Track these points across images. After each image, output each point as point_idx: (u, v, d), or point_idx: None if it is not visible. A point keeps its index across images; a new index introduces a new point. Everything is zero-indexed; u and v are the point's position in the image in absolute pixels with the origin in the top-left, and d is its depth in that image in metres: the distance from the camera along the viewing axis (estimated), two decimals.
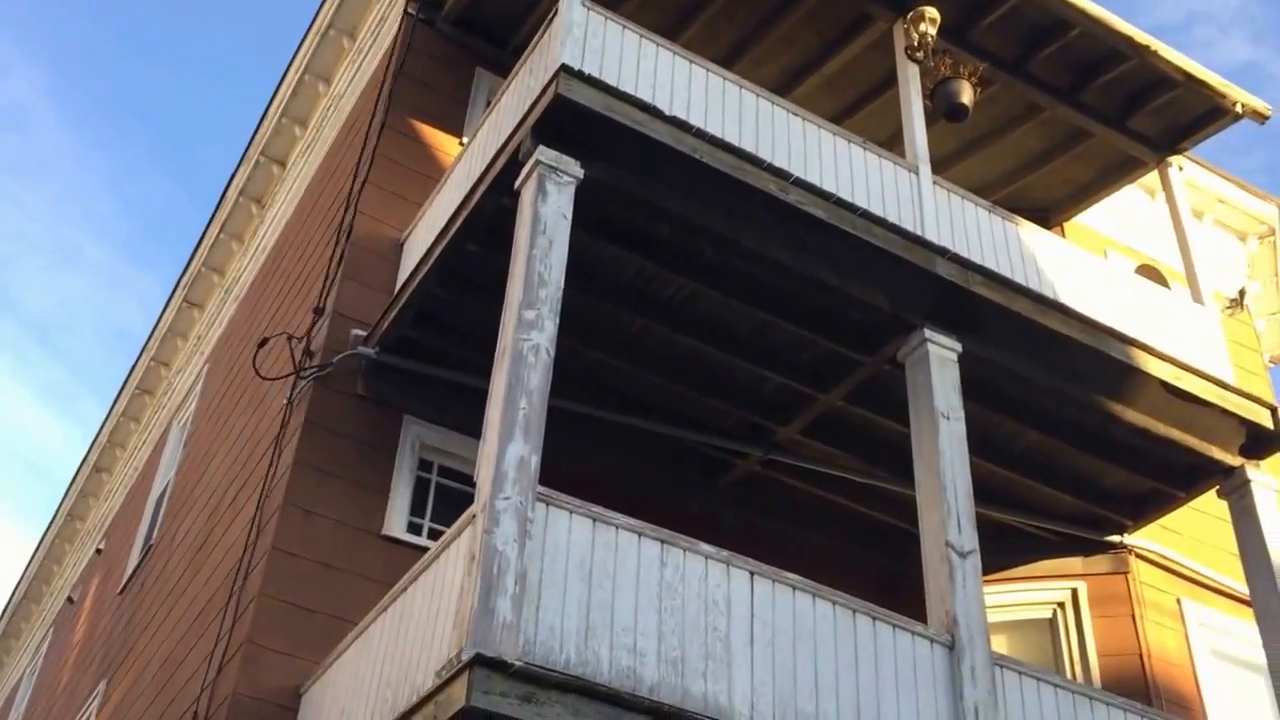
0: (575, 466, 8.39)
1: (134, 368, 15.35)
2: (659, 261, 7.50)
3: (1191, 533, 9.90)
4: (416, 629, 5.71)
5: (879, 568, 9.56)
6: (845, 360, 8.02)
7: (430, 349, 8.11)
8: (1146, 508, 9.17)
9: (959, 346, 7.43)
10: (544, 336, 5.93)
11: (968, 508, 6.80)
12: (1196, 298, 9.23)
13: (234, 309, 12.86)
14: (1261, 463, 8.43)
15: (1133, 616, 9.08)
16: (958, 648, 6.22)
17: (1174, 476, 8.79)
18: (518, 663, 4.85)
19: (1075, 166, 10.74)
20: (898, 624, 6.19)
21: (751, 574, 5.89)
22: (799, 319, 7.80)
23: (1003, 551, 9.62)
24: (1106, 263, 8.88)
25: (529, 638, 5.13)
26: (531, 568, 5.29)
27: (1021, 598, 9.43)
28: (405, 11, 10.12)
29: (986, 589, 9.39)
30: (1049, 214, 11.25)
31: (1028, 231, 8.49)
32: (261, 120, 12.16)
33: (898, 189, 7.95)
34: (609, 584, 5.45)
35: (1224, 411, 8.17)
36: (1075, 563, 9.46)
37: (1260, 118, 9.61)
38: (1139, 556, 9.39)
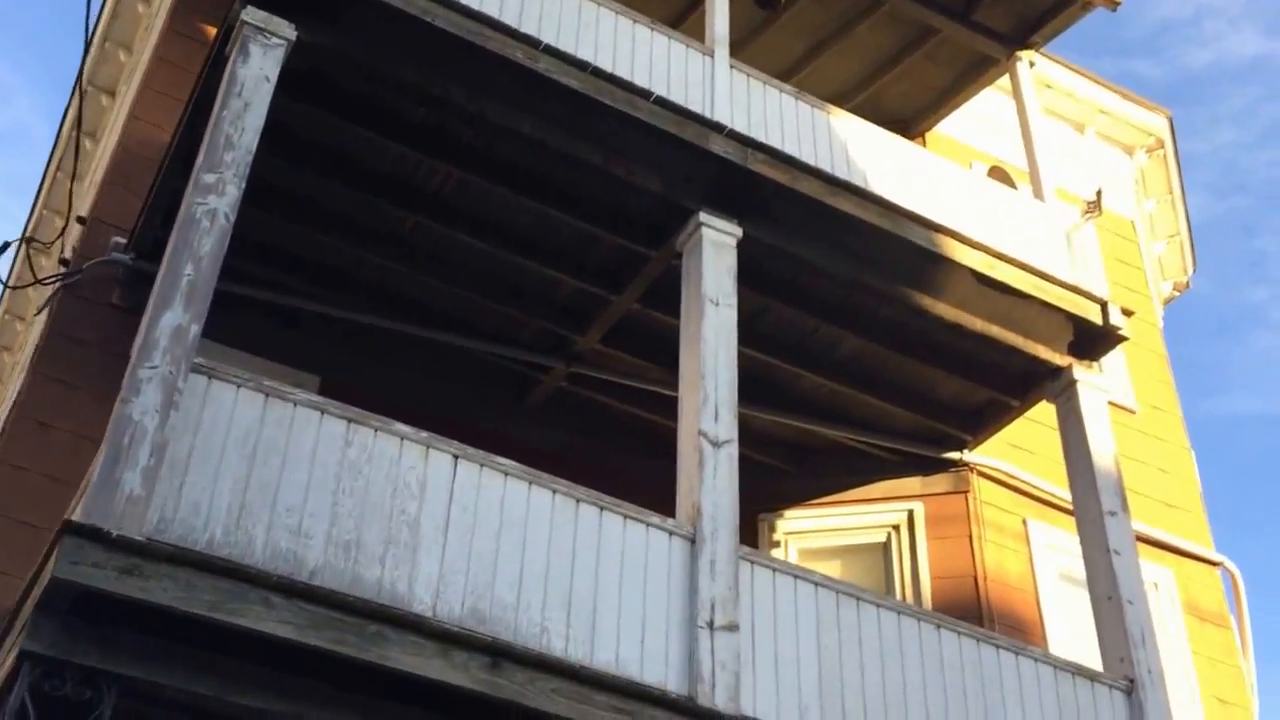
0: (374, 385, 7.88)
1: None
2: (418, 147, 6.91)
3: (1046, 452, 9.33)
4: None
5: None
6: (633, 255, 7.45)
7: None
8: (984, 420, 8.63)
9: (739, 231, 6.88)
10: (223, 202, 5.37)
11: (729, 398, 6.25)
12: (1038, 194, 8.69)
13: None
14: (1095, 364, 7.89)
15: (970, 537, 8.53)
16: (699, 541, 5.67)
17: (1007, 383, 8.25)
18: (116, 532, 4.28)
19: (930, 69, 10.19)
20: (630, 515, 5.64)
21: (456, 457, 5.34)
22: (578, 210, 7.22)
23: (840, 473, 9.09)
24: (934, 156, 8.31)
25: (166, 515, 4.58)
26: (178, 441, 4.74)
27: (857, 521, 8.89)
28: None
29: (824, 512, 8.95)
30: (910, 123, 10.69)
31: (841, 119, 7.92)
32: (86, 49, 11.54)
33: (688, 71, 7.37)
34: (278, 462, 4.90)
35: (1046, 305, 7.62)
36: (915, 483, 8.91)
37: (1110, 4, 9.07)
38: (982, 475, 8.85)
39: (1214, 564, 9.51)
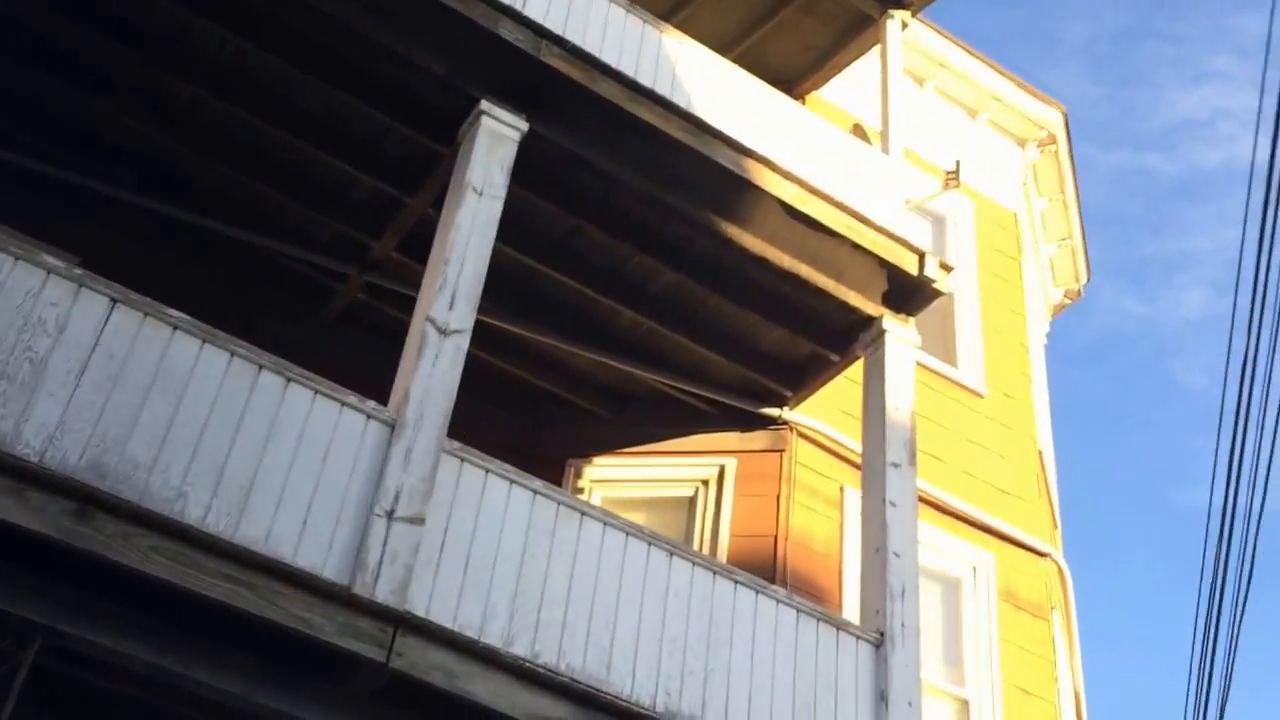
0: (149, 275, 7.31)
1: None
2: (187, 3, 6.42)
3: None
4: None
5: (518, 429, 8.51)
6: (426, 152, 6.94)
7: None
8: (806, 376, 8.17)
9: (524, 125, 6.41)
10: None
11: (470, 290, 5.80)
12: (885, 148, 8.27)
13: None
14: (909, 318, 7.46)
15: (778, 497, 8.06)
16: (399, 428, 5.17)
17: (827, 336, 7.79)
18: None
19: (810, 24, 9.73)
20: (323, 391, 5.15)
21: (114, 300, 4.83)
22: (367, 95, 6.72)
23: (659, 422, 8.60)
24: (767, 88, 7.82)
25: None
26: None
27: (667, 473, 8.41)
28: None
29: (635, 462, 8.47)
30: (793, 84, 10.26)
31: (673, 39, 7.44)
32: None
33: None
34: None
35: (858, 248, 7.18)
36: (732, 439, 8.43)
37: None
38: (802, 436, 8.38)
39: (1041, 555, 9.08)
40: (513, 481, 5.39)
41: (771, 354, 8.14)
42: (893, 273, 7.25)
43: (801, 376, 8.19)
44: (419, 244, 7.60)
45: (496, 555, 5.13)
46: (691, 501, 8.26)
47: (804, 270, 7.22)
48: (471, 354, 8.28)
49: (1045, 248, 12.76)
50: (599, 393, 8.70)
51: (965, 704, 8.06)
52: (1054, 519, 10.70)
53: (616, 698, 5.02)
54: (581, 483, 8.36)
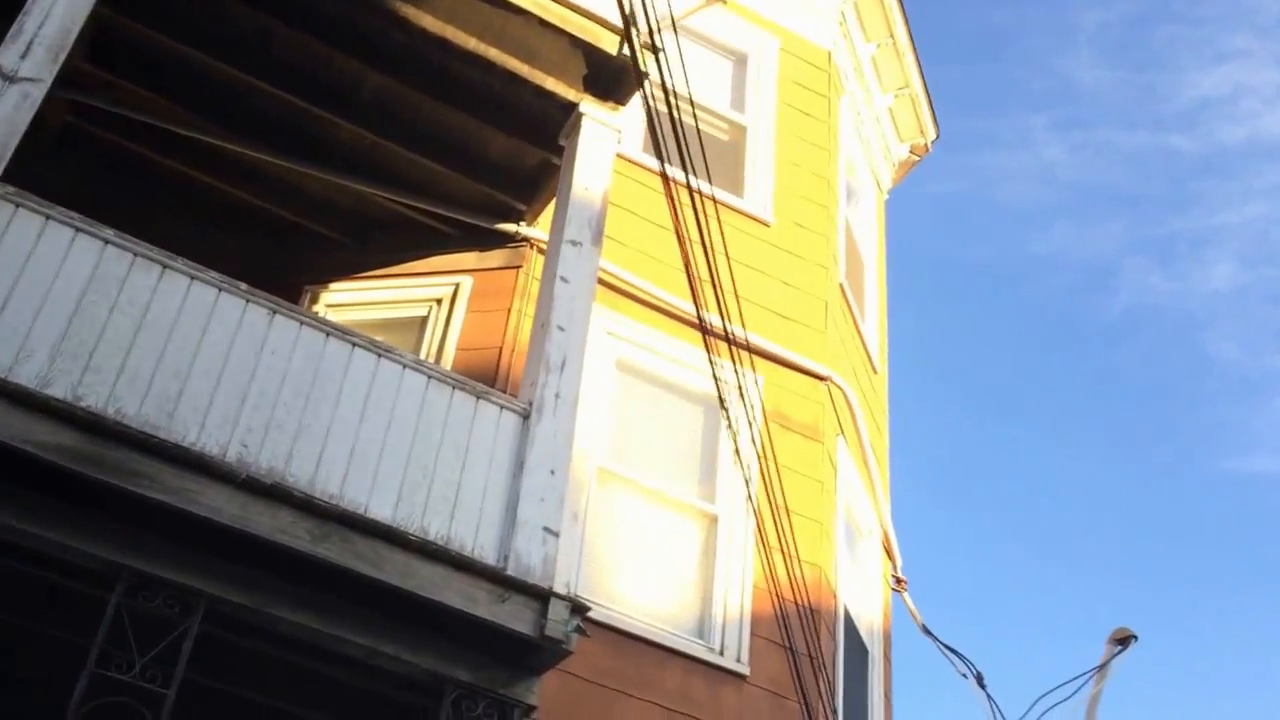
0: None
1: None
2: None
3: (638, 244, 8.58)
4: None
5: (260, 258, 8.16)
6: None
7: None
8: (538, 187, 7.82)
9: None
10: None
11: (55, 42, 5.47)
12: None
13: None
14: (616, 105, 7.10)
15: (508, 311, 7.76)
16: None
17: (548, 138, 7.40)
18: None
19: None
20: None
21: None
22: None
23: (400, 247, 8.29)
24: None
25: None
26: None
27: (403, 295, 8.10)
28: None
29: (371, 285, 8.16)
30: None
31: None
32: None
33: None
34: None
35: (548, 26, 6.79)
36: (472, 258, 8.13)
37: None
38: (542, 253, 8.00)
39: (821, 378, 8.78)
40: (79, 229, 5.07)
41: (501, 165, 7.78)
42: (591, 54, 6.87)
43: (534, 188, 7.85)
44: (114, 57, 7.28)
45: (46, 299, 4.82)
46: (424, 321, 7.96)
47: (494, 54, 6.85)
48: (209, 183, 8.16)
49: (882, 98, 12.35)
50: (339, 219, 8.37)
51: (714, 520, 7.79)
52: (868, 354, 10.39)
53: (166, 441, 4.72)
54: (317, 307, 8.05)
